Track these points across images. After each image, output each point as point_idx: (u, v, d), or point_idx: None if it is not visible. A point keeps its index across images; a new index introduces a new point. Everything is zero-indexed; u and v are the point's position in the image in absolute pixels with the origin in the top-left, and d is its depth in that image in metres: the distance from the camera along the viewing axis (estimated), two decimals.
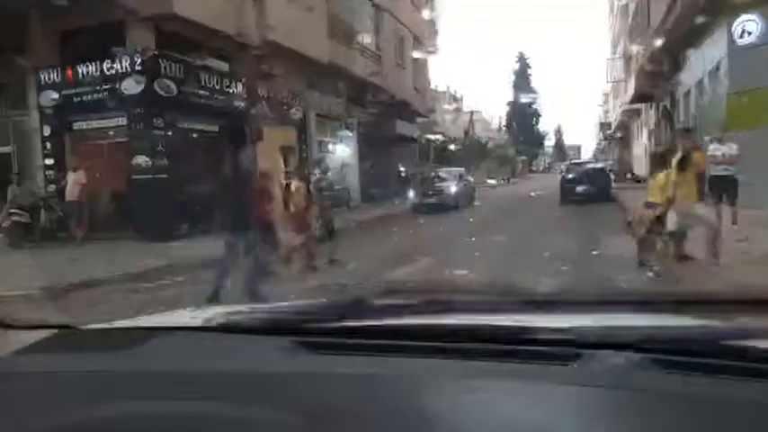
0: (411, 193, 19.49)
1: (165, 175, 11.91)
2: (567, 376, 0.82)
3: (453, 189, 19.06)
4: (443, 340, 0.94)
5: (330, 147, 19.66)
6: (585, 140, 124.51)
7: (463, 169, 23.90)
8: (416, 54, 26.56)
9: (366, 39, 21.26)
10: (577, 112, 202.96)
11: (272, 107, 15.98)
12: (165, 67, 11.95)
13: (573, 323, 0.96)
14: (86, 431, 0.78)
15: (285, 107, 16.76)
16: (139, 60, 11.57)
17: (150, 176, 11.77)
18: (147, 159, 11.80)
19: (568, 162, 23.62)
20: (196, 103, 13.05)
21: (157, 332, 1.17)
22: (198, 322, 1.20)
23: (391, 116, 23.69)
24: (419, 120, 29.54)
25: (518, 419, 0.75)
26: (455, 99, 52.71)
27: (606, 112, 61.66)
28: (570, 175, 19.23)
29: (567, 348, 0.88)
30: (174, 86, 12.14)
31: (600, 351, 0.86)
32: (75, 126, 12.47)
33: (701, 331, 0.94)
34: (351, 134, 20.77)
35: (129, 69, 11.66)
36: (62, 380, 0.95)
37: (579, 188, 18.04)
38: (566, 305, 1.17)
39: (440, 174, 20.88)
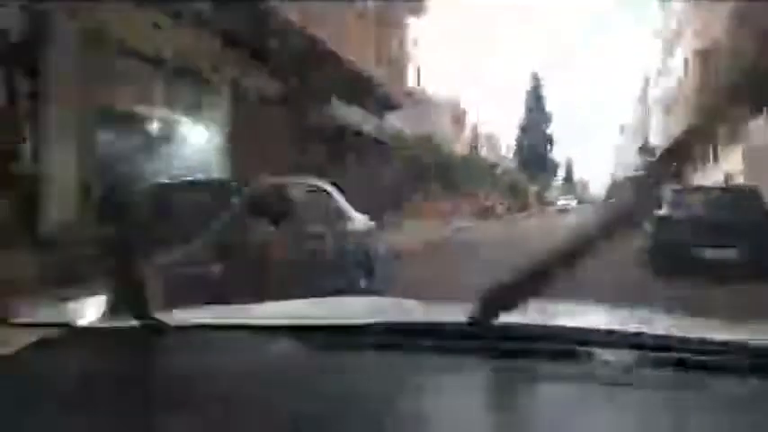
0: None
1: None
2: (567, 374, 0.83)
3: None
4: (445, 337, 0.95)
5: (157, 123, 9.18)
6: (593, 176, 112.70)
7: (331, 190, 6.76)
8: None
9: None
10: (587, 143, 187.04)
11: None
12: None
13: (573, 321, 0.98)
14: (88, 430, 0.76)
15: None
16: None
17: None
18: None
19: (672, 188, 9.66)
20: None
21: (158, 331, 1.11)
22: (198, 321, 1.22)
23: (323, 90, 13.37)
24: (390, 114, 19.37)
25: (518, 417, 0.76)
26: (458, 111, 43.91)
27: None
28: (678, 214, 8.33)
29: (567, 346, 0.88)
30: None
31: (600, 349, 0.86)
32: None
33: (702, 329, 0.97)
34: (219, 102, 10.43)
35: None
36: (63, 378, 0.94)
37: (707, 246, 7.61)
38: (566, 303, 1.18)
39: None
